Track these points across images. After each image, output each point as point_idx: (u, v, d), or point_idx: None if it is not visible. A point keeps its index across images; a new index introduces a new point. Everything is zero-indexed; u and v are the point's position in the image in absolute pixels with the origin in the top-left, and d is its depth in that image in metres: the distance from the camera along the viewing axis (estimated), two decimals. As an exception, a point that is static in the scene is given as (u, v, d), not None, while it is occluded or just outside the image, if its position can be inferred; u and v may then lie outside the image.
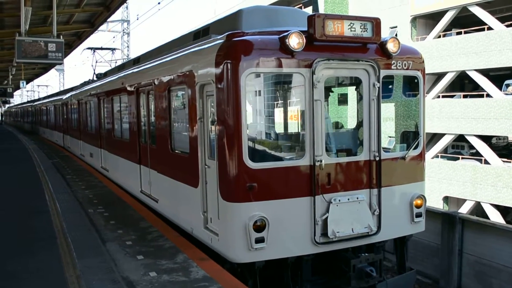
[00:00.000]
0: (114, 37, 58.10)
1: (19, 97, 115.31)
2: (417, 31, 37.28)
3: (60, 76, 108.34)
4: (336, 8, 40.83)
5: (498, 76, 32.92)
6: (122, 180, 14.57)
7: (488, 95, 31.60)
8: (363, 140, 8.10)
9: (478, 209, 31.53)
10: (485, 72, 32.11)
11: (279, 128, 10.26)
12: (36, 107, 49.45)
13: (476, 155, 32.86)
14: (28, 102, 75.66)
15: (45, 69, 45.53)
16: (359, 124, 8.51)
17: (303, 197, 7.42)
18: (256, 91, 8.52)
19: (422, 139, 8.61)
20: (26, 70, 40.24)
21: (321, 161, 7.44)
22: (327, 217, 7.48)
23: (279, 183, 7.35)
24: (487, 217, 27.71)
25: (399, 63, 8.14)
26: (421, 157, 8.64)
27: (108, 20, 34.37)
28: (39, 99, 57.17)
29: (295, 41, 7.09)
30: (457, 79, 35.20)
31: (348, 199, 7.67)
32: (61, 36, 15.63)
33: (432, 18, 36.22)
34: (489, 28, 31.68)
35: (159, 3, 33.17)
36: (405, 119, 9.46)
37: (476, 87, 34.37)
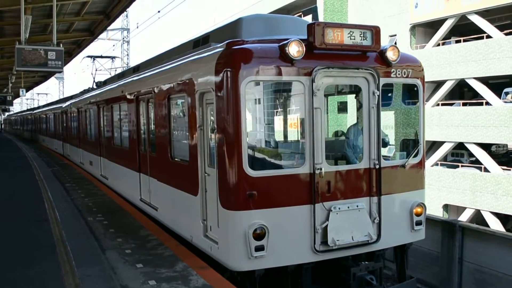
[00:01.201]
0: (114, 45, 58.38)
1: (19, 105, 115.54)
2: (416, 40, 37.35)
3: (60, 84, 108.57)
4: (335, 17, 40.92)
5: (498, 84, 32.94)
6: (122, 188, 14.55)
7: (487, 103, 31.63)
8: (363, 148, 8.11)
9: (478, 217, 31.47)
10: (484, 80, 32.15)
11: (279, 136, 10.27)
12: (35, 115, 49.48)
13: (476, 163, 32.83)
14: (27, 110, 75.74)
15: (45, 77, 45.64)
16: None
17: (303, 205, 7.40)
18: (256, 99, 8.53)
19: (422, 147, 8.61)
20: (25, 78, 40.32)
21: (321, 169, 7.43)
22: (327, 225, 7.46)
23: (279, 191, 7.34)
24: (487, 225, 27.64)
25: (399, 71, 8.15)
26: (421, 165, 8.63)
27: (108, 28, 34.49)
28: (38, 107, 57.21)
29: (294, 49, 7.10)
30: (456, 87, 35.24)
31: (348, 207, 7.66)
32: (61, 45, 15.67)
33: (431, 26, 36.30)
34: (488, 37, 31.74)
35: (159, 11, 33.32)
36: (405, 127, 9.45)
37: (475, 95, 34.40)
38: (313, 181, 7.41)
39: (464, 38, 34.03)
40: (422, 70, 8.61)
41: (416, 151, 8.53)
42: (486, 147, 32.87)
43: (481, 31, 32.32)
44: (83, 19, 22.51)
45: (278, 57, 7.20)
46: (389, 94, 9.15)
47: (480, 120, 30.87)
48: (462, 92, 38.61)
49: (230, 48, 7.45)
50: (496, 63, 30.22)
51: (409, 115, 9.25)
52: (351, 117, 9.37)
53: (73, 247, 9.17)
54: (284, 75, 7.30)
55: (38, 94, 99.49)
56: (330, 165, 7.83)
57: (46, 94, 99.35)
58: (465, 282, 11.19)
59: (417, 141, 8.64)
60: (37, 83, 55.18)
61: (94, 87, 22.66)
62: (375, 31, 7.67)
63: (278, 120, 10.27)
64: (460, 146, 33.96)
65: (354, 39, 7.52)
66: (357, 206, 7.74)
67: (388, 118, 8.94)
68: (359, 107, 8.24)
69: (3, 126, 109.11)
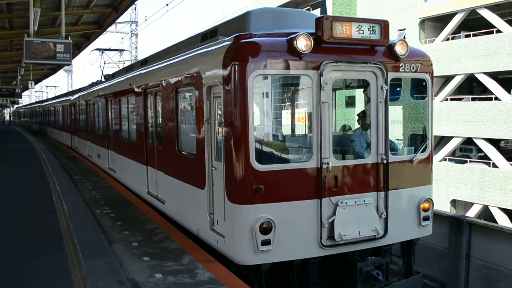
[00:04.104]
0: (122, 38, 58.47)
1: (28, 97, 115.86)
2: (425, 34, 37.15)
3: (68, 77, 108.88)
4: (344, 11, 40.75)
5: (507, 79, 32.74)
6: (129, 181, 14.59)
7: (496, 98, 31.45)
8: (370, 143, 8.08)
9: (486, 212, 31.35)
10: (493, 75, 31.95)
11: (286, 130, 10.24)
12: (44, 108, 49.66)
13: (484, 159, 32.69)
14: (36, 102, 76.05)
15: (54, 69, 45.74)
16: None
17: (309, 199, 7.39)
18: (263, 93, 8.51)
19: (430, 142, 8.56)
20: (34, 70, 40.41)
21: (328, 163, 7.41)
22: (333, 220, 7.44)
23: (286, 185, 7.32)
24: (495, 221, 27.53)
25: (407, 65, 8.09)
26: (429, 160, 8.58)
27: (117, 21, 34.52)
28: (47, 100, 57.41)
29: (302, 43, 7.06)
30: (465, 82, 35.05)
31: (355, 202, 7.63)
32: (70, 37, 15.70)
33: (441, 20, 36.09)
34: (498, 31, 31.52)
35: (167, 4, 33.21)
36: (413, 122, 9.39)
37: (484, 90, 34.20)
38: (320, 176, 7.39)
39: (474, 32, 33.79)
40: (431, 64, 8.54)
41: (424, 146, 8.48)
42: (494, 142, 32.71)
43: (491, 26, 32.07)
44: (91, 12, 22.53)
45: (286, 51, 7.17)
46: (397, 89, 9.09)
47: (489, 115, 30.69)
48: (471, 87, 38.38)
49: (238, 42, 7.42)
50: (506, 58, 30.00)
51: (417, 110, 9.18)
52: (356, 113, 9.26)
53: (80, 239, 9.18)
54: (292, 69, 7.27)
55: (47, 86, 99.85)
56: (337, 159, 7.79)
57: (55, 86, 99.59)
58: (472, 278, 11.14)
59: (425, 136, 8.59)
60: (45, 76, 55.34)
61: (103, 80, 22.68)
62: (384, 25, 7.62)
63: (286, 114, 10.23)
64: (469, 141, 33.80)
65: (363, 33, 7.46)
66: (364, 201, 7.72)
67: (396, 113, 8.88)
68: (367, 102, 8.21)
69: (12, 119, 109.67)
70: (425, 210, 8.36)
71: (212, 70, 7.91)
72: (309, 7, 40.77)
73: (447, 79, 34.76)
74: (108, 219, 10.87)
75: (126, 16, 61.79)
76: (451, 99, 34.91)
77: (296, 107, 10.00)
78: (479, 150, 33.84)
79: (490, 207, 30.69)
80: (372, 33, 7.53)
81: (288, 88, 9.65)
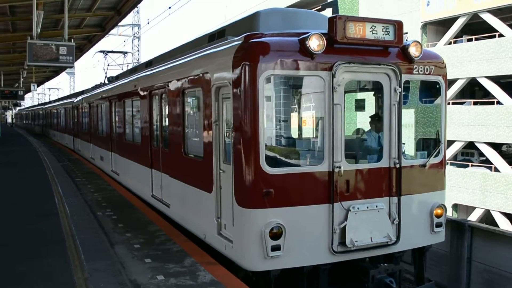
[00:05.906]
0: (124, 41, 58.51)
1: (30, 99, 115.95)
2: (427, 38, 37.10)
3: (71, 79, 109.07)
4: (346, 13, 40.63)
5: (509, 83, 32.67)
6: (133, 184, 14.43)
7: (498, 102, 31.37)
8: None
9: (487, 217, 31.23)
10: (495, 79, 31.90)
11: (297, 133, 10.05)
12: (46, 110, 49.61)
13: (486, 163, 32.60)
14: (38, 104, 76.02)
15: (56, 72, 45.68)
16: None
17: (321, 204, 7.20)
18: (274, 94, 8.33)
19: (443, 146, 8.37)
20: (37, 73, 40.43)
21: (340, 167, 7.22)
22: (345, 226, 7.25)
23: (296, 189, 7.14)
24: (496, 225, 27.38)
25: (421, 67, 7.92)
26: (442, 165, 8.38)
27: (119, 24, 34.44)
28: (49, 102, 57.35)
29: (315, 43, 6.89)
30: (467, 86, 34.98)
31: (367, 207, 7.43)
32: (72, 40, 15.66)
33: (443, 24, 36.07)
34: (500, 35, 31.50)
35: (169, 7, 33.18)
36: (426, 125, 9.20)
37: (486, 94, 34.16)
38: (332, 180, 7.21)
39: (476, 36, 33.75)
40: (445, 67, 8.35)
41: (437, 150, 8.29)
42: (496, 146, 32.64)
43: (493, 30, 32.03)
44: (94, 15, 22.45)
45: (297, 51, 6.99)
46: (409, 92, 8.93)
47: (491, 120, 30.63)
48: (473, 91, 38.34)
49: (248, 41, 7.23)
50: (508, 62, 29.96)
51: (430, 113, 9.00)
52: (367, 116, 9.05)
53: (82, 241, 9.14)
54: (303, 70, 7.09)
55: (50, 89, 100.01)
56: (350, 163, 7.58)
57: (57, 89, 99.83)
58: (474, 282, 11.03)
59: (438, 141, 8.39)
60: (48, 78, 55.32)
61: (106, 82, 22.59)
62: (398, 26, 7.44)
63: (297, 117, 10.04)
64: (471, 145, 33.70)
65: (376, 33, 7.29)
66: (377, 206, 7.52)
67: (409, 117, 8.69)
68: (380, 105, 8.02)
69: (14, 121, 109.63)
70: (438, 216, 8.17)
71: (221, 70, 7.75)
72: (319, 6, 40.64)
73: (449, 83, 34.63)
74: (110, 221, 10.81)
75: (129, 19, 61.80)
76: (453, 103, 34.81)
77: (308, 109, 9.82)
78: (481, 154, 33.77)
79: (491, 212, 30.59)
80: (386, 34, 7.36)
81: (299, 89, 9.48)
